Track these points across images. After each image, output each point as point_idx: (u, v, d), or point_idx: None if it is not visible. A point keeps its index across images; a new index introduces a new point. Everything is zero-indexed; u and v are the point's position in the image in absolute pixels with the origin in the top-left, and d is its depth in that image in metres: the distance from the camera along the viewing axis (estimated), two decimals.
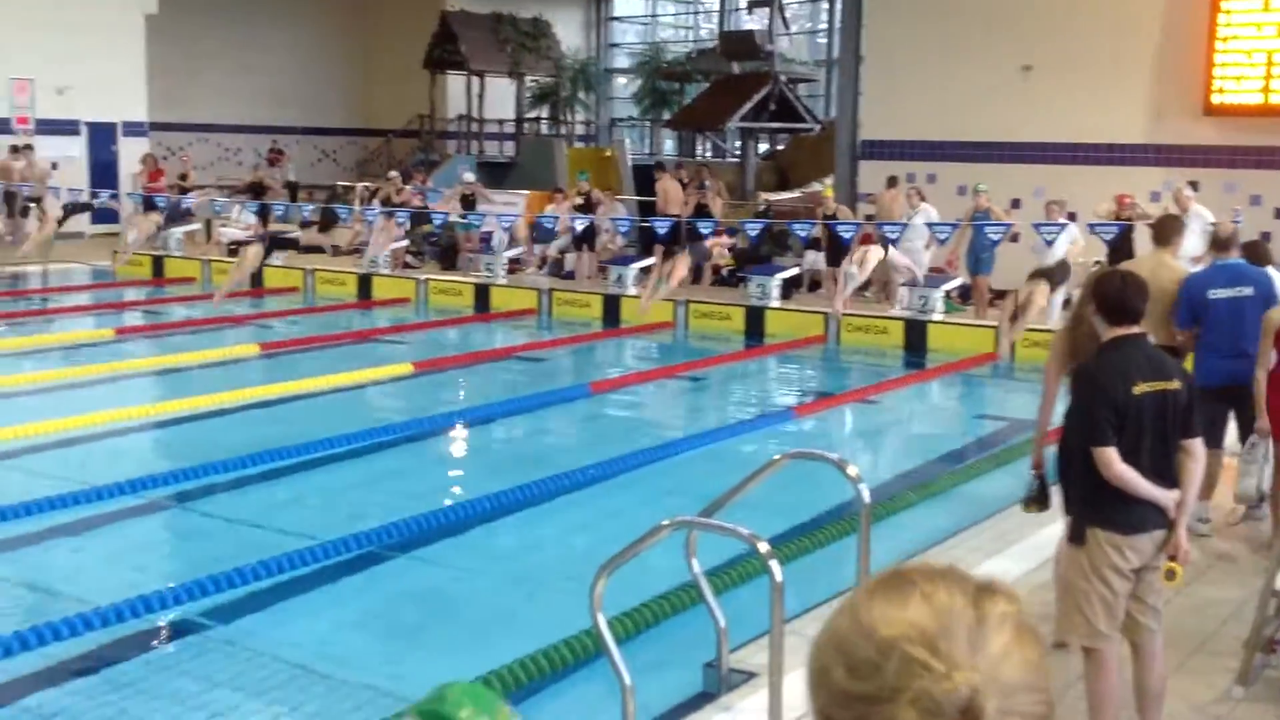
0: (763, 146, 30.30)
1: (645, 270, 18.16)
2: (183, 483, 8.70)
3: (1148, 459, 4.53)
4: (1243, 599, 6.21)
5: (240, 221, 22.15)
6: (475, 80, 31.84)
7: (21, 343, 14.33)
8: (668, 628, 6.03)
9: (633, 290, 17.48)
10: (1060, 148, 18.26)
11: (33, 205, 22.01)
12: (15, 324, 15.45)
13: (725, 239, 19.12)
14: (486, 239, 20.22)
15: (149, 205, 20.69)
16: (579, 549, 7.38)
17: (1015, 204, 18.01)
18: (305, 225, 22.85)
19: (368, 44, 33.37)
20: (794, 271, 17.29)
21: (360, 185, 24.50)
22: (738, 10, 32.60)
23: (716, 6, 34.08)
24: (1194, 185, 15.47)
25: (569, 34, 34.14)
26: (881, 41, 20.01)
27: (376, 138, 33.61)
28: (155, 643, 6.10)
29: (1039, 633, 1.22)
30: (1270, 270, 7.92)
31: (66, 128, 24.43)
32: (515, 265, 19.63)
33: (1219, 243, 7.80)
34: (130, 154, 25.48)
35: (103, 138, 25.21)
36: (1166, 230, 7.98)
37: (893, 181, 18.22)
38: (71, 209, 21.66)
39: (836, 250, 16.77)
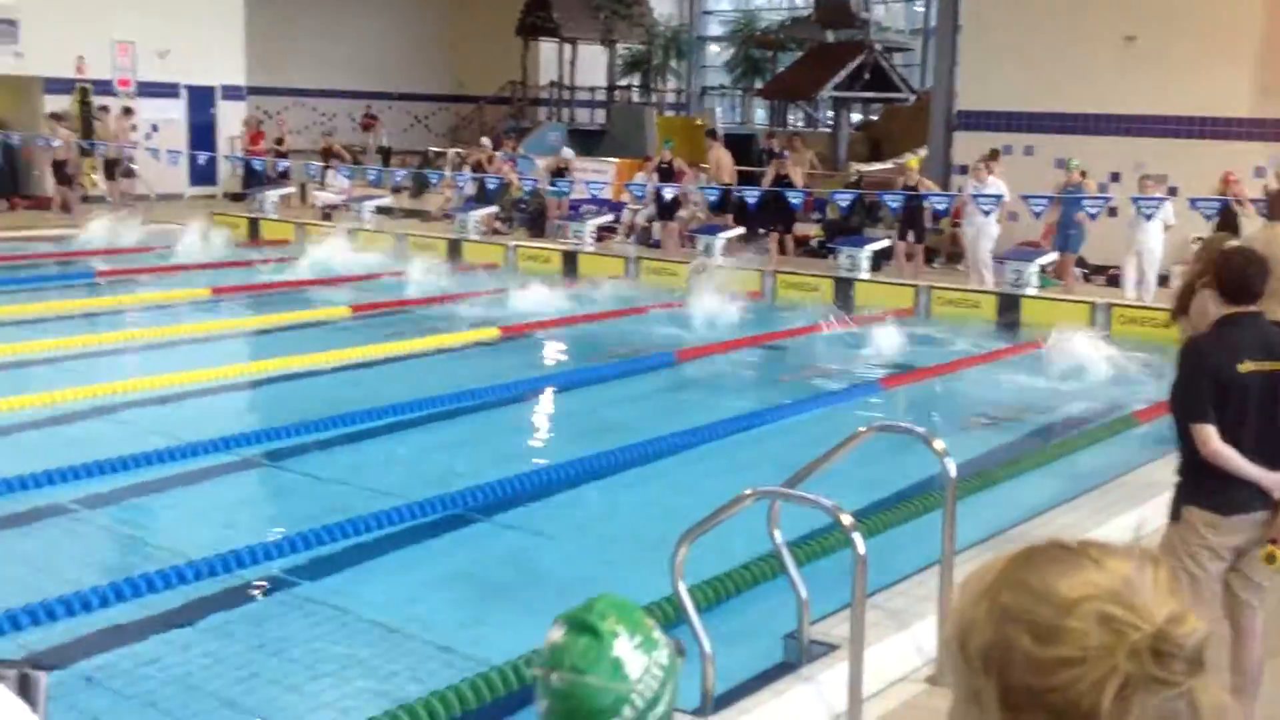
0: (856, 117, 29.95)
1: (734, 239, 18.09)
2: (274, 441, 8.85)
3: (1251, 439, 4.43)
4: None
5: (334, 185, 22.44)
6: (567, 47, 31.87)
7: (121, 301, 14.65)
8: (748, 598, 6.02)
9: (720, 258, 17.41)
10: (1162, 121, 17.81)
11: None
12: (115, 283, 15.80)
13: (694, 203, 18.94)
14: (575, 207, 20.27)
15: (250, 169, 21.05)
16: (661, 516, 7.37)
17: (1115, 178, 17.64)
18: (397, 190, 23.10)
19: (461, 10, 33.50)
20: (884, 243, 17.09)
21: (452, 151, 24.68)
22: None
23: None
24: None
25: (661, 1, 33.98)
26: (979, 10, 19.63)
27: (468, 104, 33.81)
28: (245, 597, 6.22)
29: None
30: None
31: (167, 91, 24.88)
32: (604, 233, 19.65)
33: None
34: (228, 117, 25.92)
35: (202, 101, 25.64)
36: None
37: (994, 153, 17.92)
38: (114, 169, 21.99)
39: (915, 222, 16.61)
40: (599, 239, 19.12)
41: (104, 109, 22.78)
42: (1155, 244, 15.19)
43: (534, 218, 20.78)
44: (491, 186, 20.06)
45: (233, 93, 26.22)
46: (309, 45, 30.72)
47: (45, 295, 14.72)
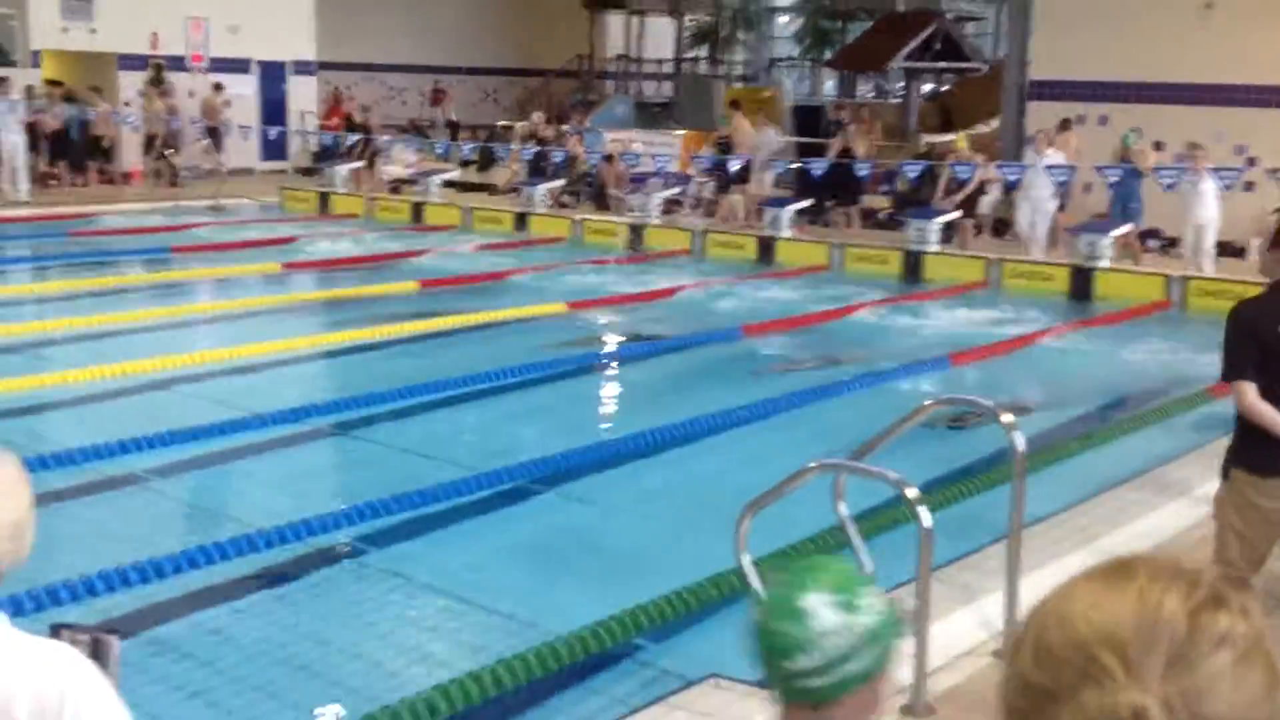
0: (927, 87, 29.60)
1: (801, 212, 17.98)
2: (344, 412, 8.96)
3: None
4: None
5: (402, 160, 22.59)
6: (634, 20, 31.77)
7: (195, 274, 14.87)
8: None
9: (788, 232, 17.32)
10: (1242, 90, 17.40)
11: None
12: (189, 257, 16.03)
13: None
14: (640, 180, 20.23)
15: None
16: (725, 489, 7.35)
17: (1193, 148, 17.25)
18: (465, 164, 23.20)
19: None
20: (955, 215, 16.90)
21: (519, 125, 24.73)
22: None
23: None
24: None
25: None
26: None
27: (536, 78, 33.82)
28: (315, 566, 6.30)
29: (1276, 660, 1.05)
30: None
31: (238, 66, 25.14)
32: (671, 206, 19.61)
33: None
34: (298, 92, 26.16)
35: (273, 76, 25.88)
36: None
37: (1065, 124, 17.62)
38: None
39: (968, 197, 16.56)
40: (665, 212, 19.08)
41: (154, 84, 22.88)
42: (1210, 214, 14.93)
43: (600, 192, 20.79)
44: (557, 160, 20.08)
45: (303, 68, 26.45)
46: (378, 20, 30.89)
47: (120, 269, 14.98)
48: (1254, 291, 4.92)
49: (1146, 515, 6.66)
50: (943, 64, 27.86)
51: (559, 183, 20.55)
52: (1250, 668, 1.02)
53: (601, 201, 20.58)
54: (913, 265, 15.97)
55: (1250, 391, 4.48)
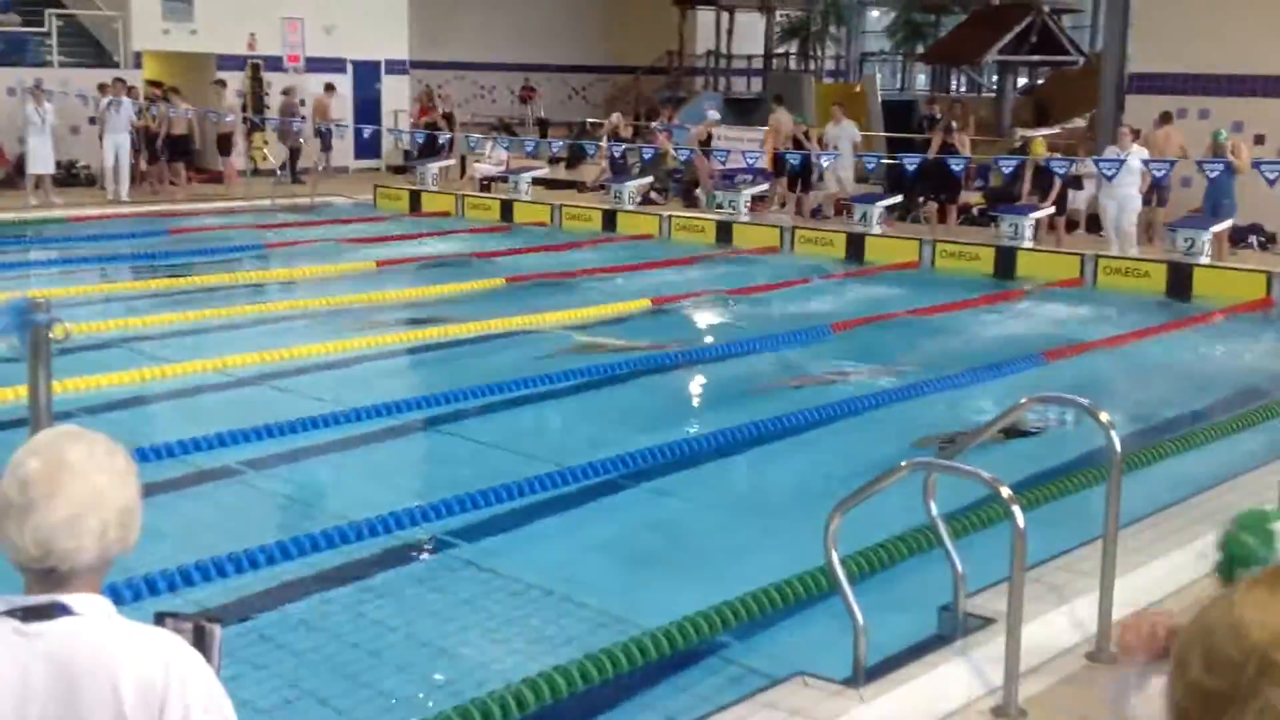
0: (1021, 81, 29.15)
1: (891, 209, 17.81)
2: (434, 408, 9.04)
3: None
4: None
5: (492, 157, 22.76)
6: (724, 15, 31.68)
7: (290, 273, 15.13)
8: (902, 570, 5.93)
9: (877, 228, 17.17)
10: None
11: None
12: (283, 254, 16.31)
13: None
14: (730, 176, 20.17)
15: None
16: (814, 487, 7.32)
17: None
18: (554, 161, 23.32)
19: None
20: (1049, 211, 16.61)
21: (608, 122, 24.79)
22: None
23: None
24: None
25: None
26: None
27: (625, 75, 33.89)
28: (404, 558, 6.37)
29: None
30: None
31: (334, 66, 25.52)
32: (759, 202, 19.53)
33: None
34: (392, 91, 26.47)
35: (366, 75, 26.23)
36: None
37: (1165, 118, 17.24)
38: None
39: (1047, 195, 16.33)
40: (753, 208, 19.00)
41: (220, 83, 23.19)
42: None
43: (688, 188, 20.76)
44: (647, 156, 20.09)
45: (396, 67, 26.77)
46: (469, 18, 31.17)
47: (217, 266, 15.28)
48: None
49: None
50: (1038, 57, 27.40)
51: (647, 180, 20.57)
52: None
53: (690, 198, 20.56)
54: (1006, 262, 15.73)
55: None
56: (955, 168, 17.35)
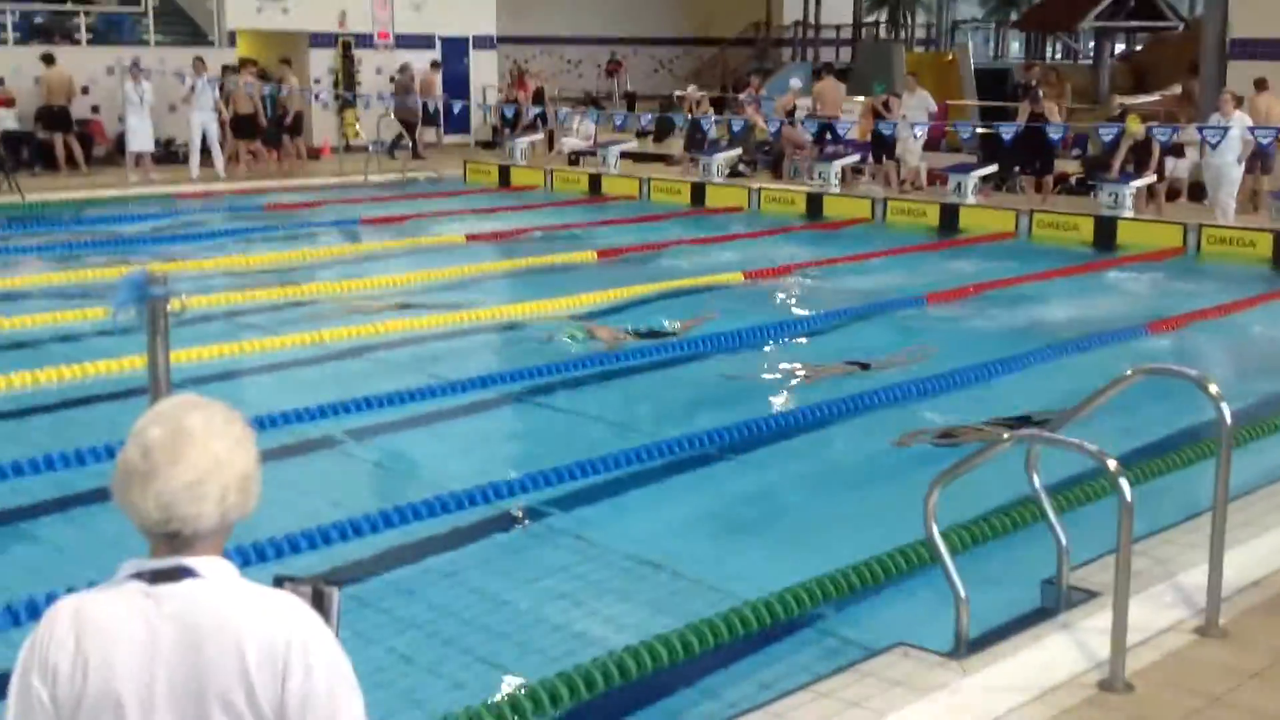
0: (1119, 47, 28.50)
1: (986, 179, 17.53)
2: (528, 380, 9.09)
3: None
4: None
5: (580, 132, 22.78)
6: None
7: (383, 245, 15.30)
8: (1005, 543, 5.86)
9: (972, 199, 16.92)
10: None
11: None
12: (378, 229, 16.50)
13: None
14: (820, 147, 20.00)
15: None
16: (912, 460, 7.26)
17: None
18: (641, 135, 23.28)
19: None
20: (1149, 179, 16.23)
21: (703, 95, 24.70)
22: None
23: None
24: None
25: None
26: None
27: (711, 47, 33.71)
28: (501, 528, 6.42)
29: None
30: None
31: (422, 42, 25.70)
32: (851, 174, 19.33)
33: None
34: (479, 66, 26.59)
35: (455, 51, 26.37)
36: None
37: (1261, 84, 16.74)
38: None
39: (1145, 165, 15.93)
40: (845, 180, 18.81)
41: (285, 61, 23.27)
42: None
43: (777, 160, 20.62)
44: (736, 129, 19.99)
45: (484, 42, 26.89)
46: None
47: (310, 241, 15.49)
48: None
49: None
50: (1136, 23, 26.76)
51: (735, 152, 20.46)
52: None
53: (778, 170, 20.41)
54: (1105, 232, 15.43)
55: None
56: (1053, 136, 17.01)
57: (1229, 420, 5.09)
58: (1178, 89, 21.85)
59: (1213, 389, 5.18)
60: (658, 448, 7.32)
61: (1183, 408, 7.91)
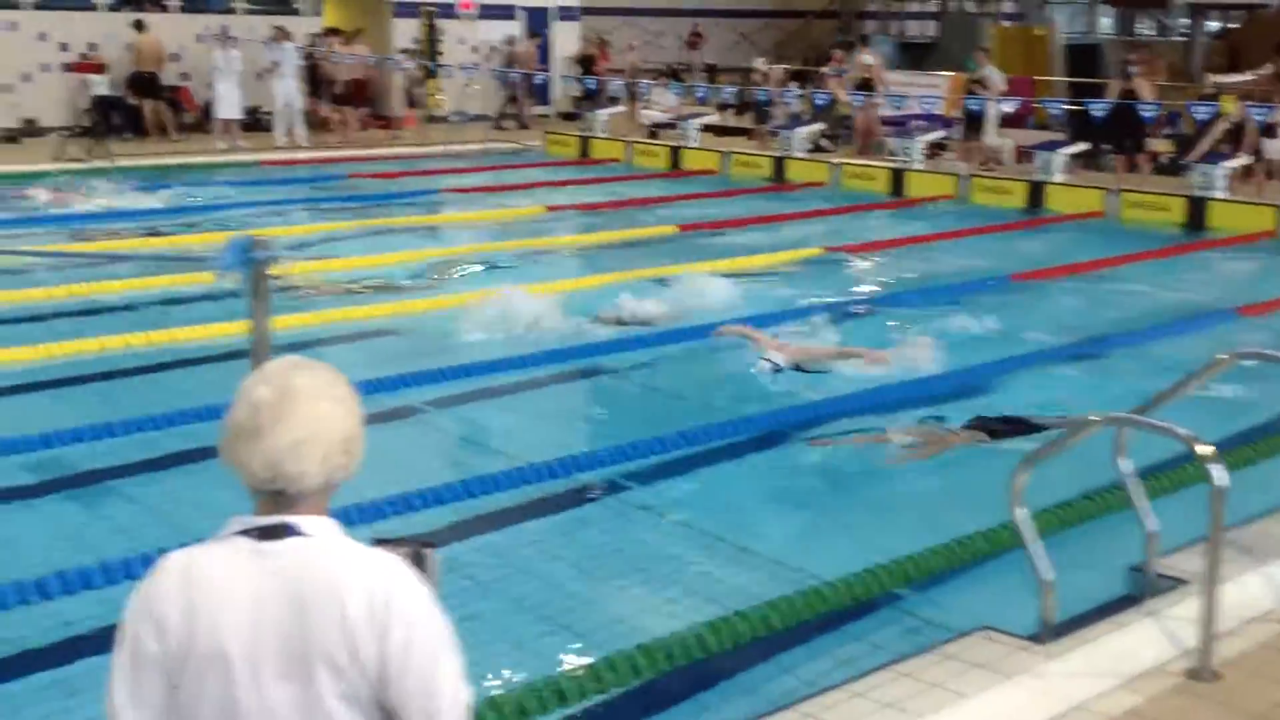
0: (1213, 24, 27.81)
1: (1074, 157, 17.22)
2: (604, 354, 9.10)
3: None
4: None
5: (661, 104, 22.71)
6: None
7: (462, 216, 15.38)
8: (1092, 528, 5.77)
9: (1059, 177, 16.63)
10: None
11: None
12: (459, 199, 16.59)
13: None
14: (900, 123, 19.75)
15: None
16: (995, 441, 7.17)
17: None
18: (723, 108, 23.14)
19: None
20: (1243, 160, 15.84)
21: (779, 68, 24.49)
22: None
23: None
24: None
25: None
26: None
27: (794, 19, 33.38)
28: (580, 500, 6.45)
29: None
30: None
31: (504, 13, 25.73)
32: (934, 150, 19.08)
33: None
34: (561, 37, 26.57)
35: (537, 22, 26.37)
36: None
37: None
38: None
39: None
40: (929, 156, 18.57)
41: (336, 31, 23.32)
42: None
43: (861, 135, 20.39)
44: (820, 103, 19.81)
45: (567, 13, 26.86)
46: None
47: (392, 210, 15.60)
48: None
49: None
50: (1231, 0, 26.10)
51: (818, 126, 20.28)
52: None
53: (863, 146, 20.19)
54: (1196, 213, 15.10)
55: None
56: (1147, 114, 16.64)
57: None
58: (1269, 68, 21.29)
59: None
60: (732, 426, 7.30)
61: (1275, 393, 7.76)
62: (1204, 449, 4.45)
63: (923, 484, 6.84)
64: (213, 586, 2.03)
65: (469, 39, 24.96)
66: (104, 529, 6.01)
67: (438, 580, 2.15)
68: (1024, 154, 18.22)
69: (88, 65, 20.53)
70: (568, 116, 24.87)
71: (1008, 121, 18.89)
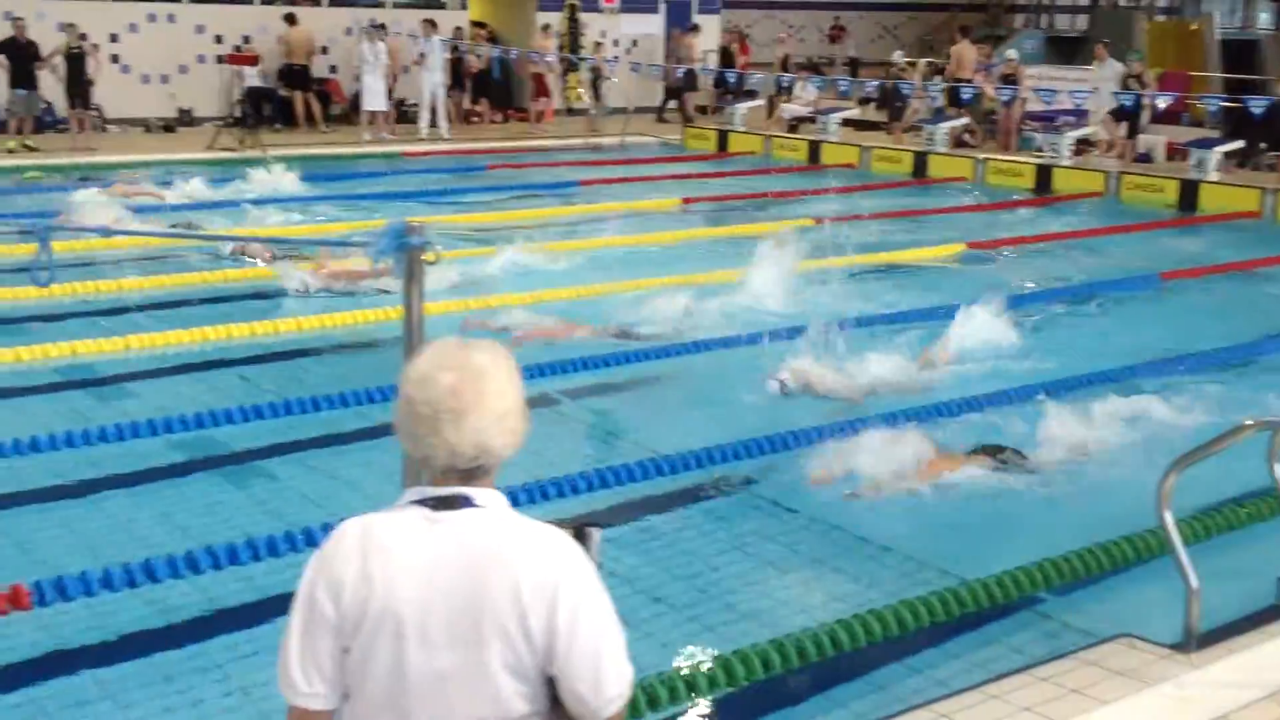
0: None
1: (1229, 155, 16.64)
2: (735, 347, 9.03)
3: None
4: None
5: (801, 98, 22.54)
6: None
7: (601, 208, 15.47)
8: (1242, 536, 5.58)
9: (1214, 175, 16.08)
10: None
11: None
12: (596, 192, 16.69)
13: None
14: (1048, 119, 19.30)
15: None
16: (1141, 444, 6.96)
17: None
18: (864, 102, 22.88)
19: None
20: None
21: (923, 62, 24.14)
22: None
23: None
24: None
25: None
26: None
27: (939, 13, 32.84)
28: (709, 494, 6.44)
29: None
30: None
31: (646, 5, 25.79)
32: (1083, 146, 18.60)
33: None
34: (704, 30, 26.54)
35: (679, 15, 26.38)
36: None
37: None
38: None
39: None
40: (1078, 153, 18.10)
41: (481, 25, 23.37)
42: None
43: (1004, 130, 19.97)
44: (966, 98, 19.45)
45: (708, 6, 26.82)
46: None
47: (531, 203, 15.76)
48: None
49: None
50: None
51: (961, 121, 19.93)
52: None
53: (1007, 140, 19.78)
54: None
55: None
56: (1255, 108, 16.00)
57: None
58: None
59: None
60: (862, 422, 7.20)
61: None
62: None
63: (1069, 485, 6.67)
64: (390, 553, 2.08)
65: (610, 32, 25.07)
66: (248, 505, 6.19)
67: (598, 559, 2.19)
68: (1176, 151, 17.66)
69: (241, 57, 21.14)
70: (704, 110, 24.83)
71: (1159, 118, 18.32)
